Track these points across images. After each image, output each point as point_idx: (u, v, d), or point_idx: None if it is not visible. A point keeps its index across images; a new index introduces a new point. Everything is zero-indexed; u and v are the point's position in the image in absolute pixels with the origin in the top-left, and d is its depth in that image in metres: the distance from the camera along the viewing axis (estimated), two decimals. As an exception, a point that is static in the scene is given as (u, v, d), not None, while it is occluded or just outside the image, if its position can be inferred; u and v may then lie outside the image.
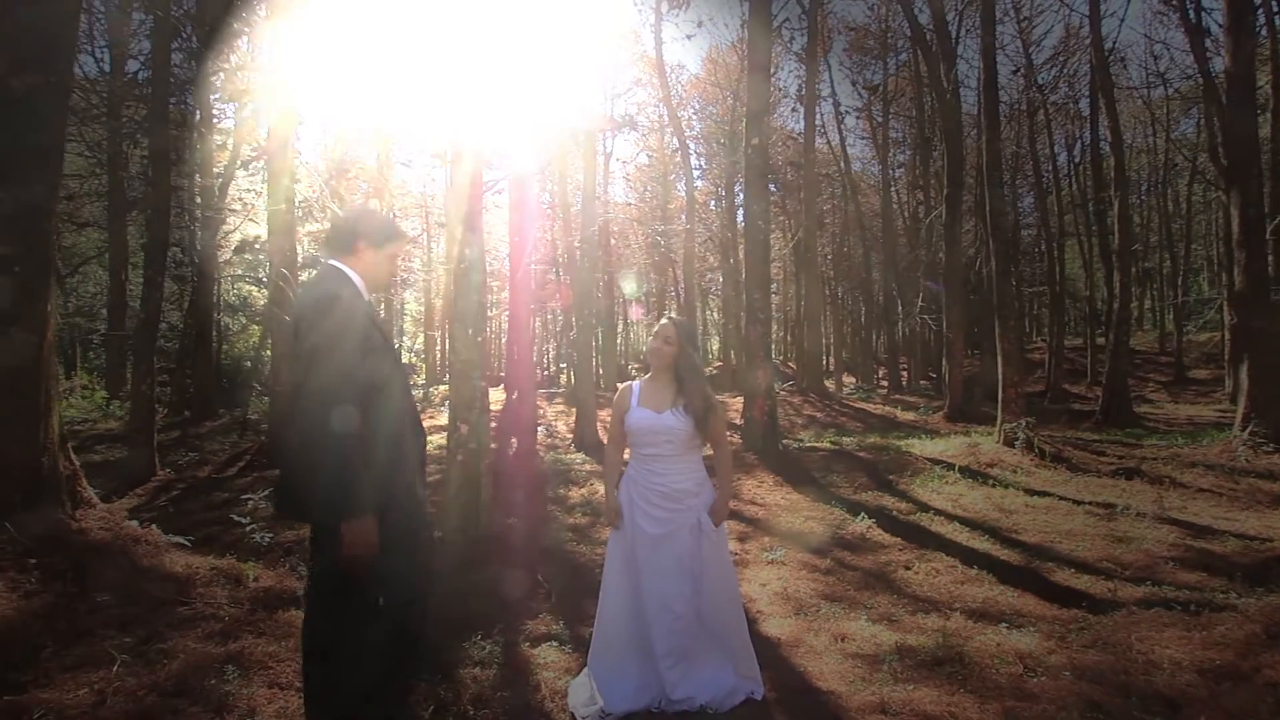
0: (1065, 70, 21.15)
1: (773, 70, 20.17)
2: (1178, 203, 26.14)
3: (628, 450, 2.58)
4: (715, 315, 36.52)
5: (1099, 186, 14.33)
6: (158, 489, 7.63)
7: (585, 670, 2.45)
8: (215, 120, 15.24)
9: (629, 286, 11.68)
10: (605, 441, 3.06)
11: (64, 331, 20.76)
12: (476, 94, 5.82)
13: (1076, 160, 24.42)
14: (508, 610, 3.39)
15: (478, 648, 2.77)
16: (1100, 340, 24.61)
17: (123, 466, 8.14)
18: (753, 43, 8.89)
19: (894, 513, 5.98)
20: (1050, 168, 22.49)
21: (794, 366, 26.96)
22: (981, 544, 4.97)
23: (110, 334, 15.89)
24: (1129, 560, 4.44)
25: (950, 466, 7.71)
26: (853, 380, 26.04)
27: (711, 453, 2.66)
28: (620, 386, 2.61)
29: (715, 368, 30.60)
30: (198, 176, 15.79)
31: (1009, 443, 8.73)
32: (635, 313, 11.71)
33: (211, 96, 14.78)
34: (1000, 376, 9.12)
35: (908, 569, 4.38)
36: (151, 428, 7.83)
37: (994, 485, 6.93)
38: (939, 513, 5.89)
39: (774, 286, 31.26)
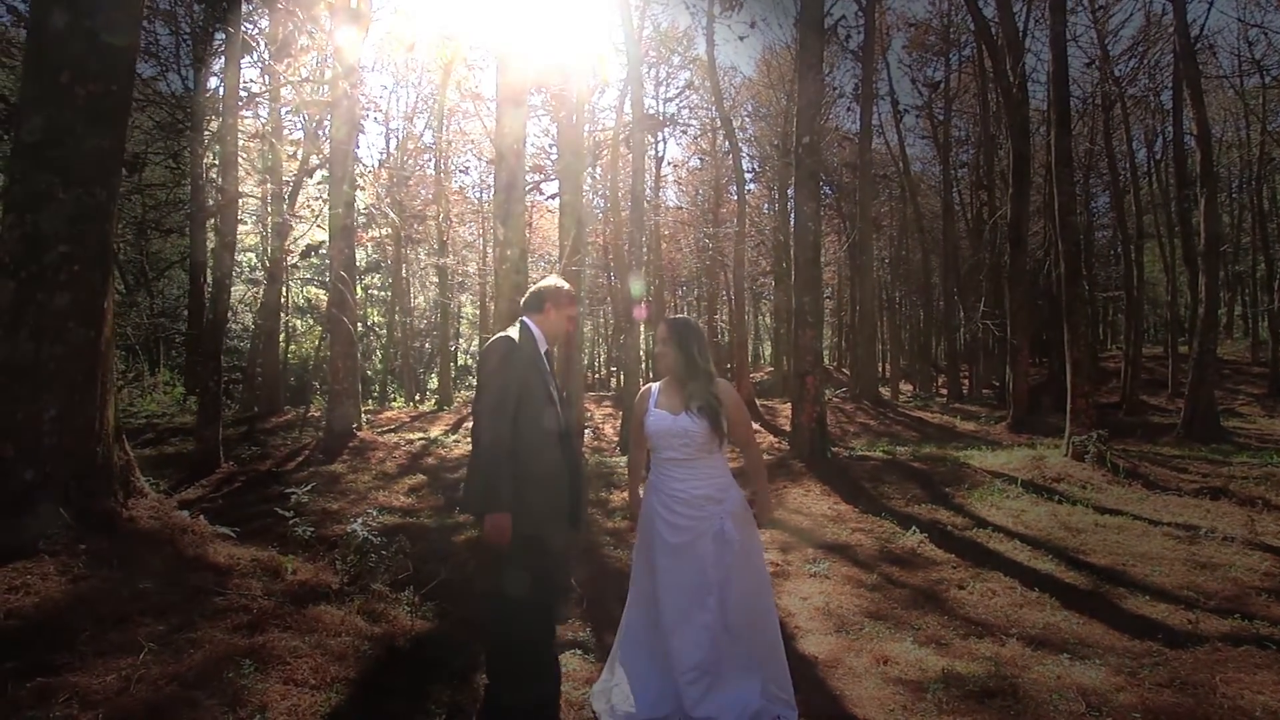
0: (1145, 61, 19.86)
1: (827, 70, 19.73)
2: (1274, 200, 24.11)
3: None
4: (767, 320, 35.97)
5: (1182, 184, 13.31)
6: (221, 481, 8.00)
7: (605, 676, 2.39)
8: (286, 132, 16.04)
9: (636, 287, 11.56)
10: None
11: (149, 331, 22.25)
12: (519, 93, 5.87)
13: (1158, 157, 22.87)
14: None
15: None
16: (1183, 349, 22.90)
17: (191, 459, 8.58)
18: (803, 40, 8.66)
19: (949, 527, 5.66)
20: (1128, 165, 21.11)
21: (848, 373, 26.21)
22: (1044, 564, 4.63)
23: (187, 333, 16.92)
24: (1214, 589, 4.04)
25: (1012, 480, 7.26)
26: (910, 388, 25.12)
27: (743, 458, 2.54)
28: (642, 389, 2.55)
29: (766, 373, 30.12)
30: (269, 184, 16.65)
31: (1078, 456, 8.16)
32: (639, 313, 11.62)
33: (282, 109, 15.56)
34: (1069, 385, 8.56)
35: (961, 588, 4.12)
36: (217, 423, 8.22)
37: (1060, 502, 6.48)
38: (998, 529, 5.54)
39: (828, 291, 30.53)
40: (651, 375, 21.22)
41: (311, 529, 3.70)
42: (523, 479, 2.19)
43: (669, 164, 26.88)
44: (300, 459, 9.50)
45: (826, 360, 29.00)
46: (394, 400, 22.68)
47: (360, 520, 3.57)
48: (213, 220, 10.92)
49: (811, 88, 7.95)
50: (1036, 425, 12.49)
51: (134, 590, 2.41)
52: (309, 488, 4.17)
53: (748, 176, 23.51)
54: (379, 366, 24.42)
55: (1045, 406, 14.36)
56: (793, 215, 24.04)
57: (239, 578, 2.82)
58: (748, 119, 26.43)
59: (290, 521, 3.61)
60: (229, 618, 2.36)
